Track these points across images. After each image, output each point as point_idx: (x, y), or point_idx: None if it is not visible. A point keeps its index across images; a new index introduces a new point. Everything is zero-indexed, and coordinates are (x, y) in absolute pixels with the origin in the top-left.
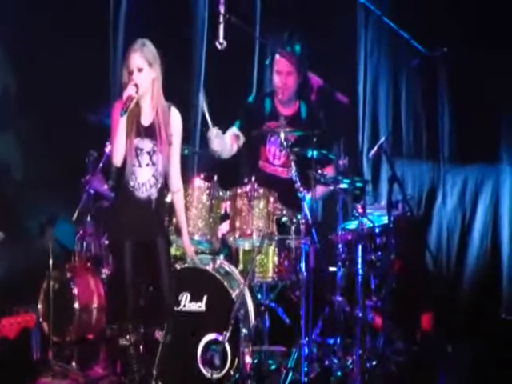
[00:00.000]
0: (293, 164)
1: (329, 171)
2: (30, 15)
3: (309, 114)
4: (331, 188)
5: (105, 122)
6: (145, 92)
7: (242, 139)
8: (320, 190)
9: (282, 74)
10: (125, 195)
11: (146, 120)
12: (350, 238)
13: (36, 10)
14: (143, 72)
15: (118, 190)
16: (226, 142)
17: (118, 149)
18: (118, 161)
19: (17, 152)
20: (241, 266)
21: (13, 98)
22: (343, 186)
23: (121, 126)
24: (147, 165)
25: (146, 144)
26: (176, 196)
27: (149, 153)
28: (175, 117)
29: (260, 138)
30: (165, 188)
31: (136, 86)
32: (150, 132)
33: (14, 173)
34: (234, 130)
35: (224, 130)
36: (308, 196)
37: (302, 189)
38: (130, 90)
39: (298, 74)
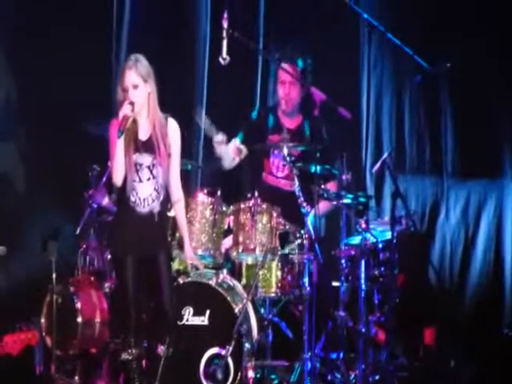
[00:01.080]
0: (296, 179)
1: (331, 187)
2: (33, 26)
3: (312, 129)
4: (334, 204)
5: (106, 135)
6: (141, 108)
7: (244, 152)
8: (323, 206)
9: (286, 84)
10: (126, 211)
11: (143, 135)
12: (353, 253)
13: (38, 21)
14: (139, 88)
15: (119, 205)
16: (228, 150)
17: (117, 169)
18: (118, 180)
19: (19, 165)
20: (244, 281)
21: (14, 110)
22: (346, 201)
23: (118, 146)
24: (148, 179)
25: (146, 158)
26: (177, 206)
27: (149, 167)
28: (173, 127)
29: (263, 150)
30: (167, 201)
31: (131, 103)
32: (148, 146)
33: (15, 186)
34: (236, 141)
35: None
36: (311, 213)
37: (305, 204)
38: (125, 109)
39: (302, 85)
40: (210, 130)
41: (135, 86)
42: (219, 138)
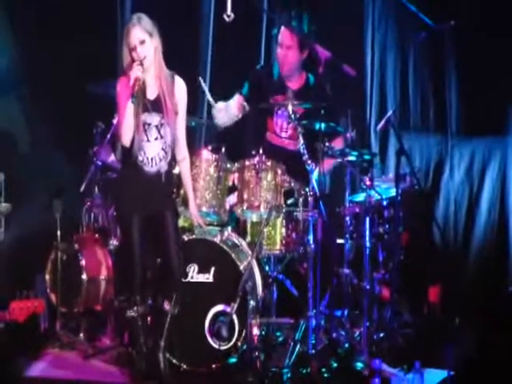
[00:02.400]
0: (301, 137)
1: (338, 143)
2: None
3: (316, 87)
4: (338, 160)
5: (111, 92)
6: (149, 65)
7: (247, 107)
8: (327, 163)
9: (283, 47)
10: (133, 170)
11: (151, 94)
12: (357, 210)
13: None
14: (146, 43)
15: (125, 164)
16: (230, 112)
17: (126, 130)
18: (127, 141)
19: (23, 124)
20: (248, 238)
21: (19, 69)
22: (351, 158)
23: (128, 108)
24: (156, 138)
25: (154, 118)
26: (182, 164)
27: (157, 126)
28: (179, 85)
29: (267, 109)
30: (173, 160)
31: (141, 64)
32: (156, 105)
33: (20, 144)
34: (239, 98)
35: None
36: (316, 170)
37: (309, 161)
38: (136, 71)
39: (300, 49)
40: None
41: (142, 42)
42: (220, 106)
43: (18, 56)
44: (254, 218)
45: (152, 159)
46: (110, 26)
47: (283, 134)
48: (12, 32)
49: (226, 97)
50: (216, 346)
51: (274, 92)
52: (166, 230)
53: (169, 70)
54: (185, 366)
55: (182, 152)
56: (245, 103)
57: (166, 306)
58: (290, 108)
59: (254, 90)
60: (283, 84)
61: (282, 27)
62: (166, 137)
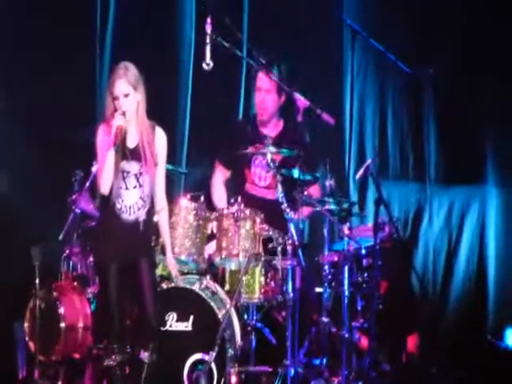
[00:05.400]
0: (279, 185)
1: (315, 191)
2: (14, 31)
3: (294, 135)
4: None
5: (90, 140)
6: (131, 116)
7: (228, 174)
8: (306, 210)
9: (261, 92)
10: (111, 218)
11: (131, 142)
12: (336, 259)
13: (20, 26)
14: (129, 97)
15: (103, 212)
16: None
17: (106, 179)
18: (106, 189)
19: (2, 171)
20: (227, 287)
21: None
22: (330, 207)
23: (109, 157)
24: (134, 187)
25: (133, 166)
26: (160, 215)
27: (136, 175)
28: (160, 136)
29: (244, 161)
30: (152, 209)
31: (123, 113)
32: (135, 154)
33: None
34: (222, 172)
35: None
36: (295, 218)
37: (288, 210)
38: (118, 121)
39: (278, 93)
40: None
41: (126, 95)
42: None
43: None
44: (233, 266)
45: (130, 207)
46: (89, 74)
47: (262, 183)
48: None
49: (206, 145)
50: None
51: (249, 143)
52: (143, 278)
53: (149, 121)
54: None
55: (161, 202)
56: (226, 171)
57: (142, 354)
58: (268, 156)
59: (229, 149)
60: (258, 133)
61: (259, 72)
62: (145, 186)
